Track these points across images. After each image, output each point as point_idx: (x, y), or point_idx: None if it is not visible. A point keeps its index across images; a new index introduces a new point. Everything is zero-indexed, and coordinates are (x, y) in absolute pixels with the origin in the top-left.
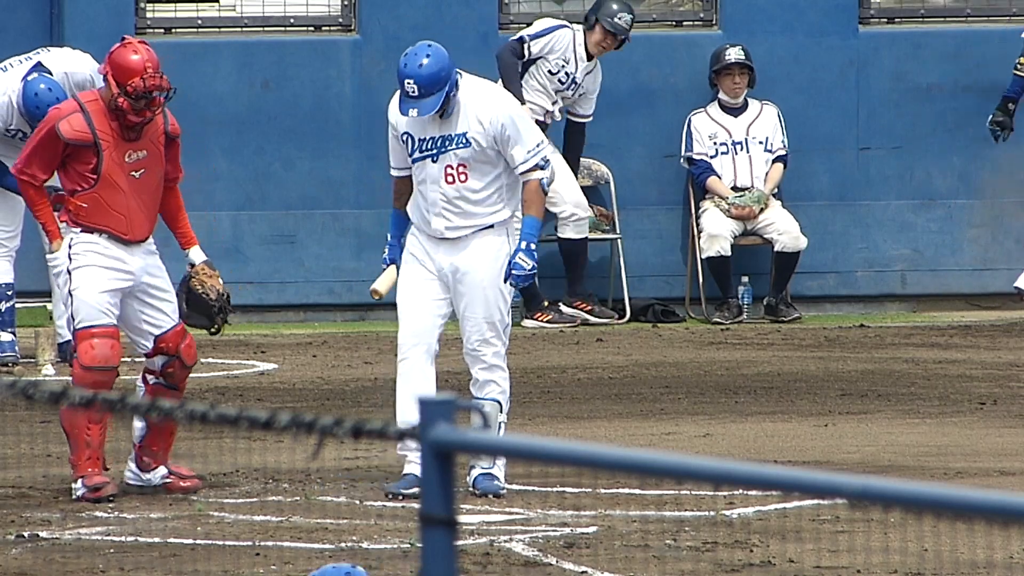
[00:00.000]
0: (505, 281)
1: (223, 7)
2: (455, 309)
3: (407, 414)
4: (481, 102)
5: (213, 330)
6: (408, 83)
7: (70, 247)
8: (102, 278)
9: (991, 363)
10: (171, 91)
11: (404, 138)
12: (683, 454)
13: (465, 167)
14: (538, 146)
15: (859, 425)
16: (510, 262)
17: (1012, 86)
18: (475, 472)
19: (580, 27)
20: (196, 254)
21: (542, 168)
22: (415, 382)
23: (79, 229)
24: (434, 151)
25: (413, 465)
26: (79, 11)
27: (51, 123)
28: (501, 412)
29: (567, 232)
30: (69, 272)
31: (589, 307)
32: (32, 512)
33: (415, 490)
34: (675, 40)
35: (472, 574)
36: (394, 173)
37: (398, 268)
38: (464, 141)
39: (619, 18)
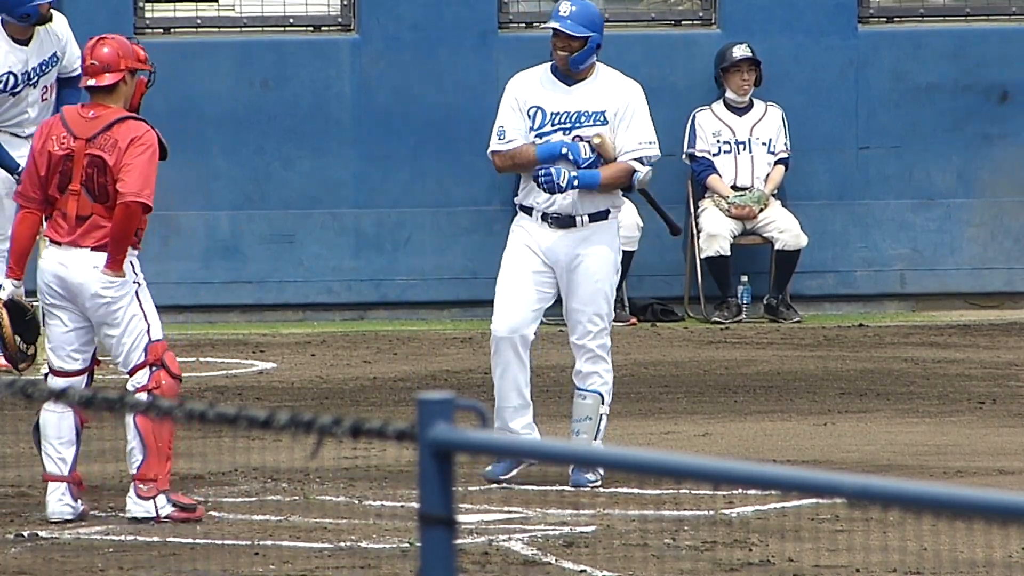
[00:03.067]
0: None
1: (222, 7)
2: (564, 300)
3: (507, 400)
4: (617, 82)
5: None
6: (565, 3)
7: (132, 265)
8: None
9: (990, 362)
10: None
11: (532, 112)
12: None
13: (592, 144)
14: (650, 143)
15: (858, 424)
16: (550, 169)
17: None
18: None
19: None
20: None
21: (643, 164)
22: (512, 372)
23: (138, 252)
24: (568, 125)
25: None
26: (78, 11)
27: (156, 140)
28: (603, 404)
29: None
30: (137, 288)
31: None
32: (32, 511)
33: (514, 473)
34: (674, 39)
35: (471, 573)
36: (501, 147)
37: None
38: (602, 119)
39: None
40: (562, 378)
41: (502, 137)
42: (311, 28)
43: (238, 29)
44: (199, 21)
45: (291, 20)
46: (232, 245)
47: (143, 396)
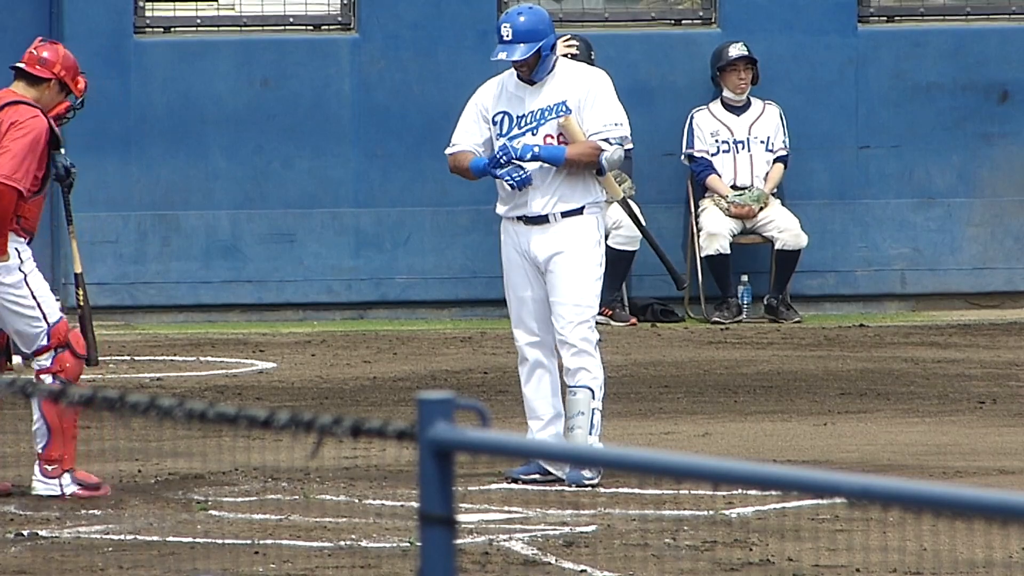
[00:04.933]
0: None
1: (222, 6)
2: (547, 293)
3: (540, 411)
4: (576, 71)
5: None
6: (504, 27)
7: (18, 251)
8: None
9: (990, 362)
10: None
11: (499, 118)
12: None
13: (564, 136)
14: (617, 124)
15: (858, 424)
16: (506, 145)
17: None
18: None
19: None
20: None
21: (610, 143)
22: (539, 382)
23: (25, 239)
24: (534, 124)
25: None
26: (78, 10)
27: (42, 128)
28: (594, 399)
29: (623, 244)
30: (26, 275)
31: (611, 312)
32: (31, 510)
33: (535, 476)
34: (674, 38)
35: (471, 573)
36: (452, 150)
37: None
38: (564, 108)
39: None
40: (562, 377)
41: (451, 143)
42: (311, 27)
43: (238, 28)
44: (199, 20)
45: (291, 19)
46: (232, 244)
47: (47, 378)
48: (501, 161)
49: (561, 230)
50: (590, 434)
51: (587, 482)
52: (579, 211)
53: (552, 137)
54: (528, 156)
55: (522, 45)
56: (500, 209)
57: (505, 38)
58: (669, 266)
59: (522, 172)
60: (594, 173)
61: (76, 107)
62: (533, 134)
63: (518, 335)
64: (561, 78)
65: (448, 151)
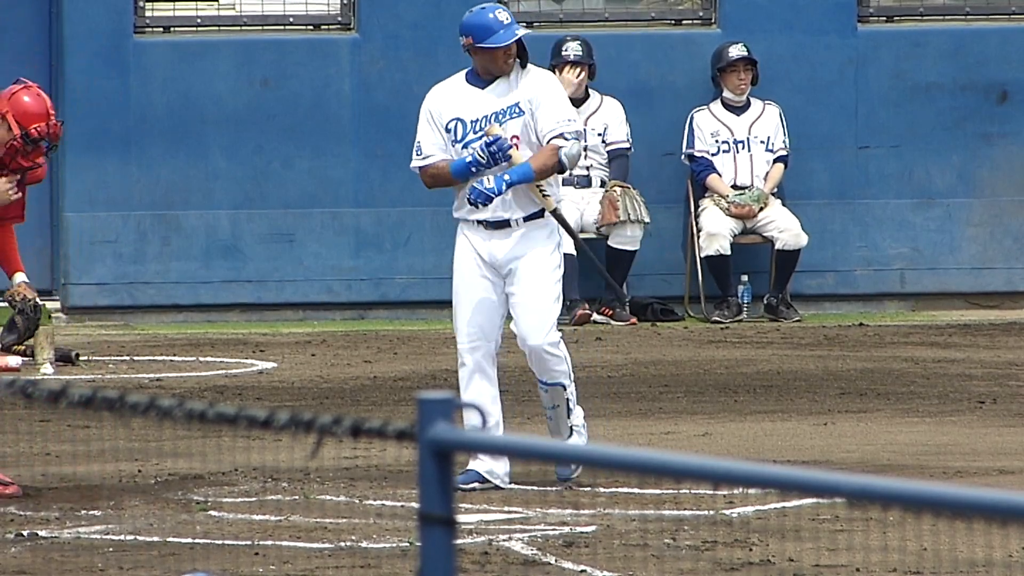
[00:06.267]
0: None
1: (222, 6)
2: (508, 300)
3: (473, 420)
4: (525, 74)
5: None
6: (500, 12)
7: None
8: None
9: (990, 362)
10: (57, 144)
11: (452, 125)
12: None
13: (518, 140)
14: (568, 120)
15: (858, 424)
16: (479, 181)
17: None
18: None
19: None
20: (19, 277)
21: (566, 139)
22: (479, 387)
23: None
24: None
25: (477, 462)
26: (78, 10)
27: None
28: (566, 390)
29: (623, 243)
30: None
31: (612, 312)
32: (31, 511)
33: (475, 485)
34: (674, 38)
35: (471, 573)
36: (419, 163)
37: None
38: (517, 111)
39: (567, 49)
40: None
41: (419, 153)
42: (311, 27)
43: (238, 28)
44: (199, 20)
45: (291, 19)
46: (232, 244)
47: None
48: (478, 203)
49: (522, 234)
50: (568, 419)
51: (571, 476)
52: (539, 214)
53: (518, 138)
54: (504, 188)
55: (520, 27)
56: (458, 212)
57: (505, 21)
58: (608, 281)
59: (490, 194)
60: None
61: (23, 150)
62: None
63: (464, 339)
64: (514, 79)
65: (419, 164)
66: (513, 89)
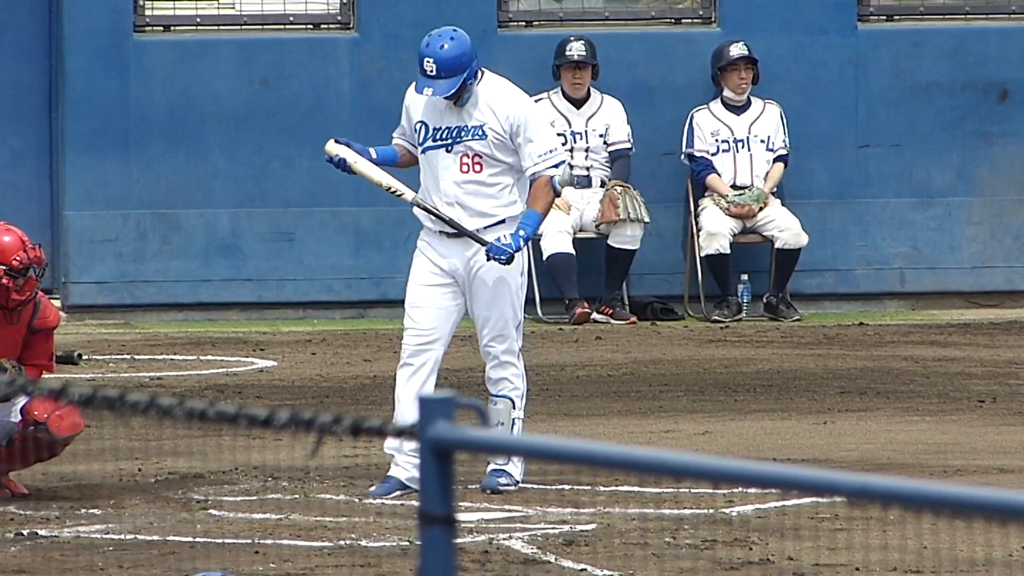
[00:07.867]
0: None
1: (222, 5)
2: (468, 307)
3: (405, 417)
4: (499, 97)
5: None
6: (428, 62)
7: None
8: None
9: (990, 361)
10: (44, 266)
11: (417, 126)
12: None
13: (480, 159)
14: (551, 151)
15: (858, 423)
16: (497, 239)
17: None
18: (490, 467)
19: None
20: None
21: (555, 167)
22: (413, 389)
23: None
24: (449, 141)
25: (398, 469)
26: (78, 9)
27: None
28: (515, 409)
29: (623, 243)
30: None
31: (611, 311)
32: (31, 510)
33: (396, 493)
34: (673, 38)
35: (471, 572)
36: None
37: (351, 151)
38: (480, 133)
39: (570, 49)
40: (561, 376)
41: (398, 135)
42: (311, 26)
43: (238, 27)
44: (199, 19)
45: (291, 18)
46: (232, 243)
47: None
48: (500, 260)
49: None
50: None
51: (502, 488)
52: (501, 223)
53: (468, 157)
54: (521, 244)
55: (447, 80)
56: (422, 219)
57: (429, 74)
58: (472, 235)
59: (508, 250)
60: (518, 188)
61: (15, 285)
62: (448, 151)
63: (413, 339)
64: (484, 101)
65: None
66: (482, 109)
